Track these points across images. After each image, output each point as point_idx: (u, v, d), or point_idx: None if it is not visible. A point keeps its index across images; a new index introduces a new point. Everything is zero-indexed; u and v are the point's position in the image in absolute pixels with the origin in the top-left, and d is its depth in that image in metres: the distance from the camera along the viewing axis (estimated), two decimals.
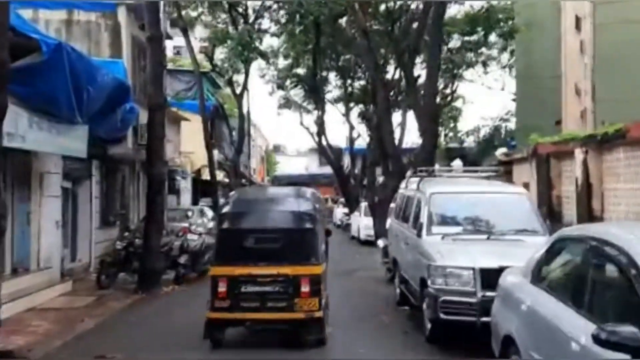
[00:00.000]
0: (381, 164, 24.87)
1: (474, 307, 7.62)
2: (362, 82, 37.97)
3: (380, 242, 14.80)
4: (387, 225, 21.72)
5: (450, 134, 49.52)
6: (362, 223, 25.15)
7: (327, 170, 50.89)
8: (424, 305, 8.65)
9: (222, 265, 8.24)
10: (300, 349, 8.02)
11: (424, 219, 9.24)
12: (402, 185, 12.40)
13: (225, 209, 8.81)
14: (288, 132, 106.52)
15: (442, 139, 48.15)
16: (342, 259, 19.93)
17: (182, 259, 14.19)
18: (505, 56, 41.48)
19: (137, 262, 13.55)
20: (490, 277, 7.34)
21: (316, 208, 8.74)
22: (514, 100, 48.65)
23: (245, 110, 34.00)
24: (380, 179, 26.02)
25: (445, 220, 9.38)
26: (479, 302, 7.59)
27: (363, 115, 32.91)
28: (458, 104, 52.43)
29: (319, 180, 54.19)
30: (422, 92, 17.64)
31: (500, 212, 9.29)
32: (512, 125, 50.11)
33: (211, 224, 19.74)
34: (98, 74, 12.38)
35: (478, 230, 9.03)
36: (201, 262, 14.88)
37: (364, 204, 27.19)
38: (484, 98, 54.22)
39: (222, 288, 8.02)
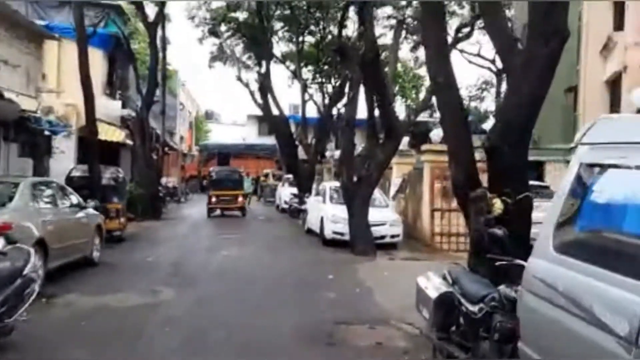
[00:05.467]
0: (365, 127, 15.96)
1: None
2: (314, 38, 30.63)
3: (428, 286, 6.08)
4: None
5: (413, 106, 41.66)
6: (328, 213, 16.32)
7: (268, 140, 42.51)
8: None
9: (213, 190, 24.56)
10: (238, 217, 24.41)
11: None
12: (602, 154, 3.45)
13: (212, 173, 26.23)
14: (223, 98, 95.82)
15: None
16: (297, 281, 11.30)
17: None
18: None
19: None
20: None
21: (241, 172, 27.18)
22: (490, 69, 40.93)
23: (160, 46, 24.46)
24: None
25: None
26: None
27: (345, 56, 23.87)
28: (422, 71, 44.87)
29: (258, 152, 45.53)
30: None
31: None
32: (489, 99, 42.62)
33: (74, 215, 10.38)
34: None
35: None
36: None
37: (329, 185, 18.36)
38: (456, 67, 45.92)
39: (213, 198, 24.29)
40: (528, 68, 6.51)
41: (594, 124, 3.70)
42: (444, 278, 6.24)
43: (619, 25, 23.32)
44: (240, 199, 24.60)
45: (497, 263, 5.24)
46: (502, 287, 5.39)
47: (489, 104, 42.61)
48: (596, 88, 25.39)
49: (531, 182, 7.41)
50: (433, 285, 6.16)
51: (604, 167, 3.49)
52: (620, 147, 3.38)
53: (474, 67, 38.69)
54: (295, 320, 8.20)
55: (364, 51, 13.47)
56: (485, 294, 5.59)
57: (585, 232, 3.54)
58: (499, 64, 40.04)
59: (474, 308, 5.68)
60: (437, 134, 17.65)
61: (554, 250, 3.61)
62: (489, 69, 40.31)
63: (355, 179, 14.81)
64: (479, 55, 36.72)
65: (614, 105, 24.28)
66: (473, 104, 43.79)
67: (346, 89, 27.92)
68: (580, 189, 3.58)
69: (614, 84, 24.38)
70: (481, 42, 34.26)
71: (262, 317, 8.31)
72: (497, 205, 6.68)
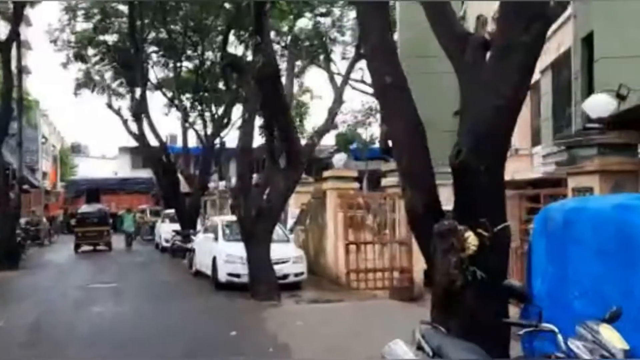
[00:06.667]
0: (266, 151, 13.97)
1: None
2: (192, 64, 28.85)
3: None
4: None
5: (299, 135, 40.48)
6: (222, 252, 14.20)
7: (143, 174, 39.31)
8: None
9: (79, 227, 26.35)
10: (105, 252, 25.54)
11: None
12: None
13: (80, 211, 28.17)
14: (91, 130, 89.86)
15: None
16: (194, 342, 9.27)
17: None
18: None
19: None
20: None
21: (106, 210, 28.40)
22: (374, 95, 40.57)
23: (15, 68, 21.23)
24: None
25: None
26: None
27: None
28: (305, 98, 44.01)
29: (132, 186, 42.03)
30: None
31: None
32: (375, 125, 42.38)
33: None
34: None
35: None
36: None
37: (221, 220, 16.22)
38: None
39: (80, 234, 26.05)
40: (503, 62, 5.07)
41: None
42: (419, 347, 4.55)
43: None
44: (105, 234, 26.43)
45: (522, 331, 3.65)
46: None
47: (374, 129, 42.41)
48: None
49: None
50: (407, 358, 4.43)
51: None
52: None
53: (357, 94, 37.97)
54: None
55: (261, 65, 11.72)
56: None
57: None
58: None
59: None
60: (339, 159, 16.26)
61: None
62: (374, 94, 40.02)
63: (254, 212, 12.88)
64: (362, 81, 36.22)
65: None
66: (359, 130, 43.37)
67: (232, 116, 26.10)
68: None
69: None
70: (364, 68, 33.74)
71: None
72: (471, 240, 5.12)
